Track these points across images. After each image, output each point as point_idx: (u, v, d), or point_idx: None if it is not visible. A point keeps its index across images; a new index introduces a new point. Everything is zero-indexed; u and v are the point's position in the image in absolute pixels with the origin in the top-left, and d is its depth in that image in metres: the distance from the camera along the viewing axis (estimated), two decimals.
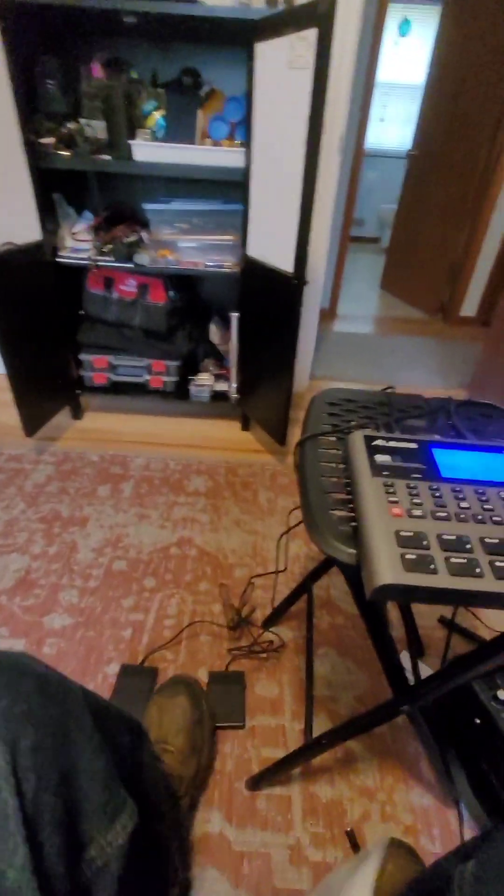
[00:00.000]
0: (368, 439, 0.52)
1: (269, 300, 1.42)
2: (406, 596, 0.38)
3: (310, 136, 1.06)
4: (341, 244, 2.96)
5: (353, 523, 0.47)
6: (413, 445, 0.52)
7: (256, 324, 1.54)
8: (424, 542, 0.40)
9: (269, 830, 0.79)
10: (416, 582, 0.37)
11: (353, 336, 2.91)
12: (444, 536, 0.41)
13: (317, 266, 1.84)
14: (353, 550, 0.44)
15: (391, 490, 0.45)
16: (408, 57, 4.62)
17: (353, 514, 0.48)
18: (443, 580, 0.37)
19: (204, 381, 1.83)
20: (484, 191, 2.76)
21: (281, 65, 1.09)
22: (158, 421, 1.90)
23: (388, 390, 0.73)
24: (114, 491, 1.51)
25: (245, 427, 1.87)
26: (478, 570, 0.38)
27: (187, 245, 1.57)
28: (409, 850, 0.65)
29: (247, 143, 1.31)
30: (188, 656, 1.05)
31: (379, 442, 0.52)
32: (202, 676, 1.01)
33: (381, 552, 0.39)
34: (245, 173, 1.34)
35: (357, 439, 0.52)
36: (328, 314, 3.20)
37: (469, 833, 0.80)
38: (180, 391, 1.84)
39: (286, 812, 0.82)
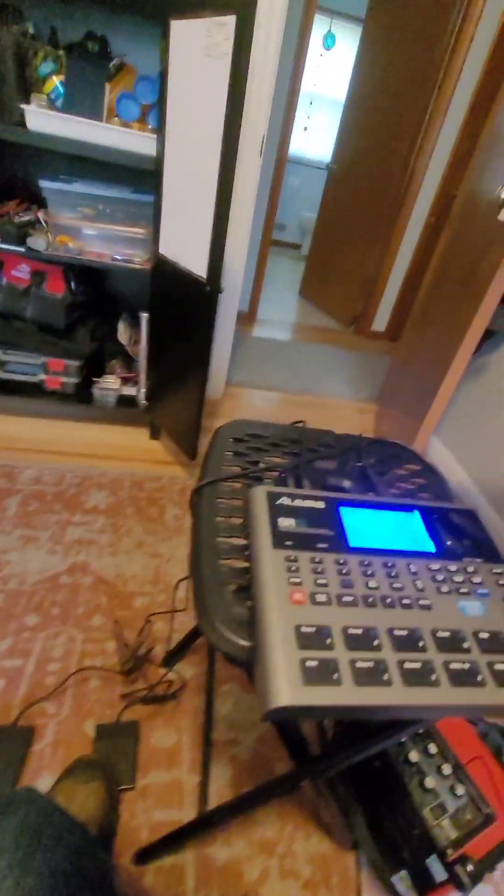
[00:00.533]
0: (272, 497, 0.45)
1: (181, 303, 1.32)
2: (306, 715, 0.31)
3: (226, 134, 0.97)
4: (262, 248, 2.92)
5: (251, 603, 0.40)
6: (320, 505, 0.46)
7: (168, 326, 1.42)
8: (328, 641, 0.34)
9: None
10: (317, 700, 0.31)
11: (272, 342, 2.90)
12: (350, 630, 0.35)
13: (234, 269, 1.77)
14: (247, 643, 0.37)
15: (294, 567, 0.39)
16: (332, 70, 4.74)
17: (250, 588, 0.41)
18: (347, 694, 0.31)
19: (109, 384, 1.67)
20: (397, 210, 2.89)
21: (198, 50, 0.99)
22: (55, 426, 1.70)
23: (299, 424, 0.67)
24: None
25: (154, 435, 1.75)
26: (385, 677, 0.33)
27: (92, 233, 1.40)
28: None
29: (160, 130, 1.19)
30: (73, 708, 0.92)
31: (283, 500, 0.45)
32: (89, 731, 0.89)
33: (278, 661, 0.32)
34: (157, 162, 1.22)
35: (259, 497, 0.45)
36: (247, 318, 3.16)
37: (366, 880, 0.78)
38: (82, 394, 1.66)
39: (177, 885, 0.74)
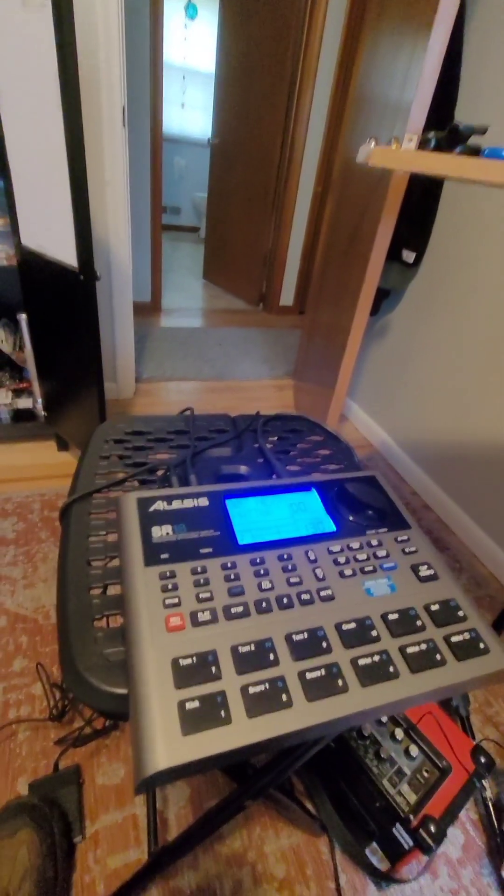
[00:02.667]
0: (144, 504, 0.38)
1: (59, 298, 1.18)
2: (190, 773, 0.25)
3: (65, 98, 0.86)
4: (154, 233, 2.78)
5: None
6: (204, 502, 0.39)
7: (51, 325, 1.28)
8: (213, 669, 0.28)
9: None
10: (199, 752, 0.25)
11: (181, 331, 2.79)
12: (241, 648, 0.29)
13: (120, 256, 1.64)
14: (123, 691, 0.30)
15: (170, 586, 0.32)
16: (201, 42, 4.57)
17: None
18: (238, 733, 0.26)
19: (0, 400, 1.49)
20: (284, 183, 2.86)
21: (13, 2, 0.85)
22: None
23: (187, 412, 0.60)
24: None
25: (62, 447, 1.60)
26: (284, 697, 0.28)
27: None
28: None
29: None
30: (1, 769, 0.81)
31: (158, 506, 0.38)
32: (22, 791, 0.79)
33: (150, 712, 0.26)
34: None
35: (128, 506, 0.38)
36: (152, 309, 3.01)
37: (340, 860, 0.77)
38: None
39: None
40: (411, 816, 0.65)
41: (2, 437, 1.59)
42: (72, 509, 0.44)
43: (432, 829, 0.62)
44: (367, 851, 0.74)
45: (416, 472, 1.70)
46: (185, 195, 5.23)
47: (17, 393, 1.54)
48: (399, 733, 0.73)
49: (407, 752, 0.71)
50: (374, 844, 0.72)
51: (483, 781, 0.78)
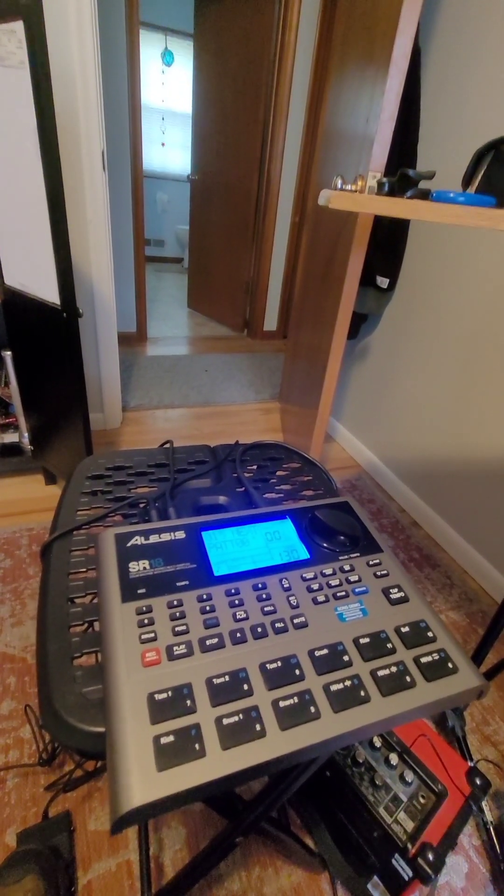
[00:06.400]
0: (121, 540, 0.39)
1: (42, 334, 1.21)
2: (166, 809, 0.26)
3: (44, 147, 0.90)
4: (137, 265, 2.85)
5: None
6: (180, 535, 0.41)
7: (35, 362, 1.30)
8: (188, 702, 0.29)
9: None
10: (174, 787, 0.25)
11: (167, 359, 2.83)
12: (215, 680, 0.30)
13: (103, 291, 1.68)
14: (101, 728, 0.31)
15: (146, 621, 0.33)
16: (178, 86, 4.81)
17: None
18: (213, 765, 0.26)
19: None
20: (262, 214, 2.97)
21: None
22: None
23: (167, 445, 0.62)
24: None
25: (50, 480, 1.60)
26: (258, 727, 0.28)
27: None
28: None
29: None
30: None
31: (136, 541, 0.39)
32: (10, 842, 0.76)
33: (126, 749, 0.26)
34: None
35: (106, 541, 0.39)
36: (138, 339, 3.05)
37: (342, 895, 0.74)
38: None
39: None
40: (409, 845, 0.64)
41: None
42: (52, 547, 0.45)
43: (430, 857, 0.61)
44: (370, 886, 0.72)
45: (403, 489, 1.72)
46: (169, 228, 5.39)
47: (3, 428, 1.55)
48: (393, 758, 0.72)
49: (402, 777, 0.70)
50: (375, 878, 0.71)
51: (482, 804, 0.77)
